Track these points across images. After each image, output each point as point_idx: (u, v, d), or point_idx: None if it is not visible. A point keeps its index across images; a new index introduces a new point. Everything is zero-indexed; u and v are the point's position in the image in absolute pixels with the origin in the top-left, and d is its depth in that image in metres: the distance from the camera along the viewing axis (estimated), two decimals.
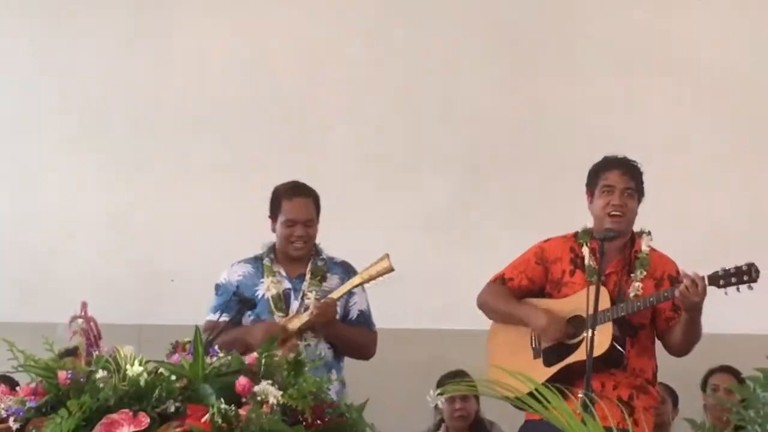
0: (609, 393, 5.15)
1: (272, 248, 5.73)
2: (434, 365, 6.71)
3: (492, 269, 5.55)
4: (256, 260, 5.73)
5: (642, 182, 5.35)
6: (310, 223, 5.67)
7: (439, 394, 6.38)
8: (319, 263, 5.67)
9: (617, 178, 5.28)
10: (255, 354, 3.84)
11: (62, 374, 3.72)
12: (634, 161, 5.36)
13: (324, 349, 5.54)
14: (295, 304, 5.61)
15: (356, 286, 5.53)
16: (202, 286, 7.11)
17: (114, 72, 7.80)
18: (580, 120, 7.30)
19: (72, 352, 3.90)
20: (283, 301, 5.61)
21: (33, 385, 3.79)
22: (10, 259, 7.67)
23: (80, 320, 3.90)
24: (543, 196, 7.27)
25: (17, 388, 3.85)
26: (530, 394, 5.12)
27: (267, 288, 5.64)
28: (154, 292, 7.48)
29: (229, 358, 3.84)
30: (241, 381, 3.67)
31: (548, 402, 3.04)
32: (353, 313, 5.68)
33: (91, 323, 3.89)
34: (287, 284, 5.66)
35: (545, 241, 5.48)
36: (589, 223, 5.39)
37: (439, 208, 7.41)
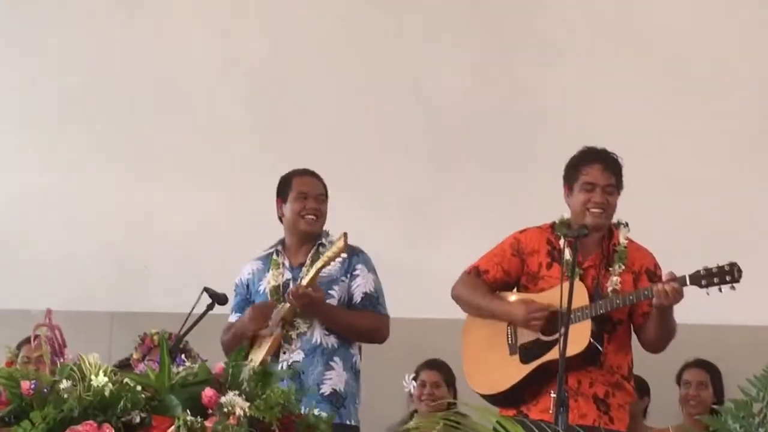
0: (585, 390, 5.11)
1: (281, 241, 5.65)
2: (409, 355, 6.68)
3: (464, 257, 5.47)
4: (267, 256, 5.65)
5: (621, 176, 5.25)
6: (322, 198, 5.59)
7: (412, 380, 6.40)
8: (321, 249, 5.53)
9: (598, 175, 5.17)
10: (221, 364, 3.78)
11: (25, 384, 3.66)
12: (614, 154, 5.24)
13: (320, 336, 5.45)
14: None
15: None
16: (174, 275, 7.10)
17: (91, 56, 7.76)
18: (553, 108, 7.22)
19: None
20: (280, 292, 5.51)
21: None
22: None
23: (44, 328, 3.82)
24: (516, 183, 7.19)
25: None
26: (506, 392, 5.16)
27: (268, 281, 5.58)
28: (127, 279, 7.43)
29: (196, 367, 3.79)
30: (207, 392, 3.62)
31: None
32: (357, 297, 5.55)
33: (56, 331, 3.82)
34: (288, 274, 5.57)
35: (521, 232, 5.37)
36: (566, 214, 5.30)
37: (411, 195, 7.35)
